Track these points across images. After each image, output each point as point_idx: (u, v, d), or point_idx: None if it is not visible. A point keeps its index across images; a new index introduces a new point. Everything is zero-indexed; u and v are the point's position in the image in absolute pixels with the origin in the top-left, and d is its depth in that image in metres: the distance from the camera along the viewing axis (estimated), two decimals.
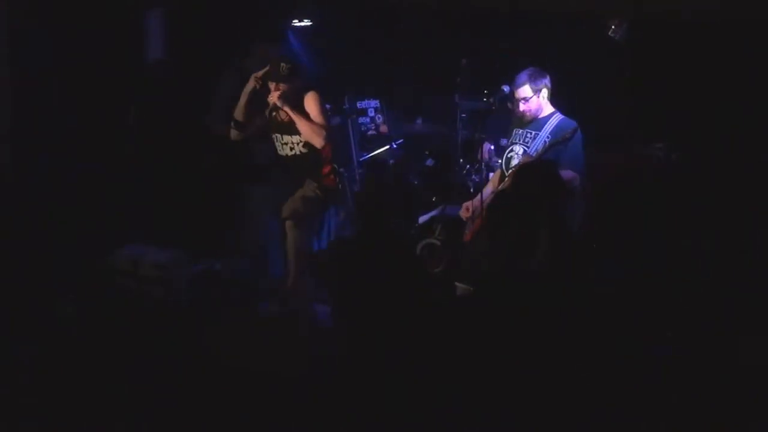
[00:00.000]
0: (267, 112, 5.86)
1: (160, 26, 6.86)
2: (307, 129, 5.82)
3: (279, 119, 5.93)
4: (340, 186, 6.24)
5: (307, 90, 5.92)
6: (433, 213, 6.82)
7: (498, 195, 5.57)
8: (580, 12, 6.20)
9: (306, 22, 7.71)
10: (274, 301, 5.93)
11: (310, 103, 5.89)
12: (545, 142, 5.62)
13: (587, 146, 5.60)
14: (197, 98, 6.56)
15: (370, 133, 8.10)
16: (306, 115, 5.84)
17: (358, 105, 8.06)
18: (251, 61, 6.23)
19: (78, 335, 5.26)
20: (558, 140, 5.51)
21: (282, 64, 5.77)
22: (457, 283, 5.18)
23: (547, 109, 5.75)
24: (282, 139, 6.02)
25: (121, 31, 6.47)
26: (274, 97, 5.78)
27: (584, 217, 5.61)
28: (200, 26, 6.93)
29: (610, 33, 6.24)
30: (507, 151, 5.88)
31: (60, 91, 6.14)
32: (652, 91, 5.93)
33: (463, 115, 6.91)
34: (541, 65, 5.75)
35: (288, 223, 5.83)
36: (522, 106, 5.69)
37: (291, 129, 5.91)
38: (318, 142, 5.85)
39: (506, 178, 5.71)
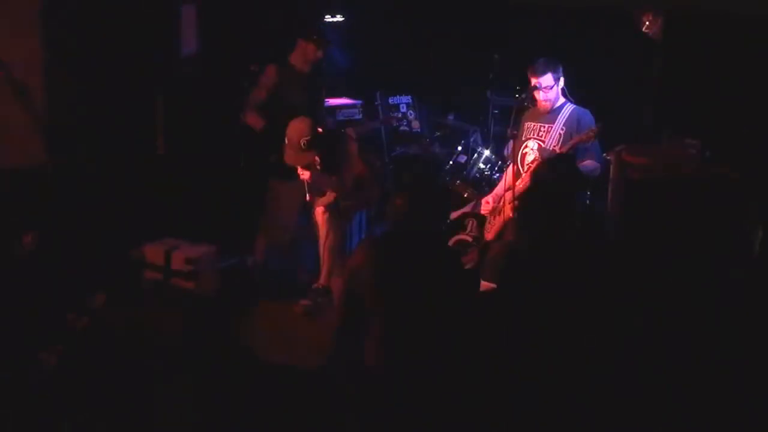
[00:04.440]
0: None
1: (194, 21, 6.90)
2: (334, 188, 5.83)
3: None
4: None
5: (338, 134, 6.00)
6: (465, 209, 6.80)
7: (523, 195, 5.44)
8: (612, 6, 6.11)
9: (338, 18, 7.73)
10: (305, 297, 5.95)
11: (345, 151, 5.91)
12: (560, 134, 5.57)
13: (619, 142, 5.52)
14: (229, 94, 6.59)
15: (402, 129, 8.10)
16: (340, 157, 5.83)
17: (390, 101, 8.07)
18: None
19: (106, 328, 5.32)
20: (582, 139, 5.43)
21: (302, 140, 5.58)
22: (481, 281, 5.15)
23: (560, 99, 5.70)
24: None
25: (154, 25, 6.52)
26: (305, 176, 5.67)
27: (615, 211, 5.53)
28: (232, 21, 6.98)
29: (644, 29, 6.14)
30: (521, 147, 5.81)
31: (93, 87, 6.20)
32: (681, 87, 5.82)
33: (495, 111, 6.89)
34: (569, 60, 5.70)
35: (321, 216, 5.86)
36: (543, 95, 5.61)
37: None
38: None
39: (523, 175, 5.64)
